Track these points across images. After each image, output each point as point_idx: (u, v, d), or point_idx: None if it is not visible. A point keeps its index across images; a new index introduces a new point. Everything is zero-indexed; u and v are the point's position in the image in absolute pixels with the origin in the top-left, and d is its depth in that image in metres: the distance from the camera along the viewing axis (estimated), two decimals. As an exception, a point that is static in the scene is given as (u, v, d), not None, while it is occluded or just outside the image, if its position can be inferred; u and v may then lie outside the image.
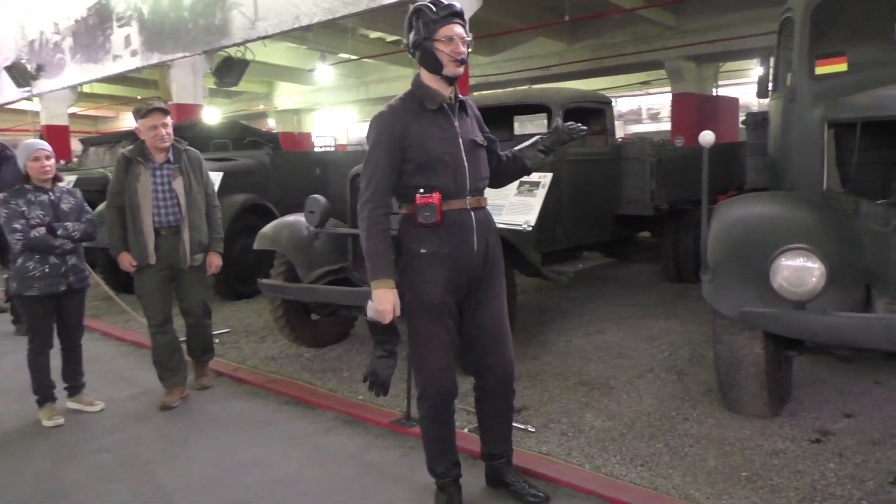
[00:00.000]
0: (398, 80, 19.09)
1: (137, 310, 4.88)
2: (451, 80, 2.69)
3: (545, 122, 6.01)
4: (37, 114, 16.86)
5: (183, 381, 4.44)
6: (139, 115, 4.20)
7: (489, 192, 2.93)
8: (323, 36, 15.29)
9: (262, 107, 25.92)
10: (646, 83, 20.69)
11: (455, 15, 2.64)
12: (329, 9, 9.28)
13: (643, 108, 25.87)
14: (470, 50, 2.69)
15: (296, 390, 4.46)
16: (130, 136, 4.33)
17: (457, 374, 2.88)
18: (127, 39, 12.79)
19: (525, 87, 15.71)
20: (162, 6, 11.85)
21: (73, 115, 18.38)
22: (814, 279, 2.92)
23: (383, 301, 2.59)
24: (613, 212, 6.16)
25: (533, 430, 3.64)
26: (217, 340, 4.90)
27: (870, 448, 3.26)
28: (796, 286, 2.95)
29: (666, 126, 19.88)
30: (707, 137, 3.36)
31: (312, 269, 4.79)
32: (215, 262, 4.45)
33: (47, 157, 4.08)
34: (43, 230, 3.97)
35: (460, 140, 2.69)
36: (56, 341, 4.26)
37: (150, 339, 4.39)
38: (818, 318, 2.91)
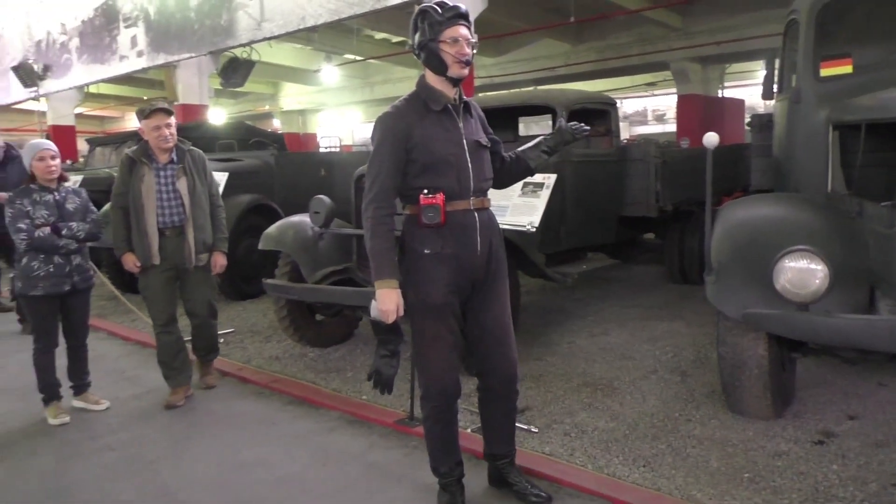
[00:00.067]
0: (403, 81, 19.12)
1: (143, 309, 4.90)
2: (455, 82, 2.70)
3: (550, 123, 6.02)
4: (43, 114, 16.92)
5: (188, 380, 4.46)
6: (142, 115, 4.22)
7: (493, 193, 2.94)
8: (328, 37, 15.32)
9: (267, 107, 25.97)
10: (651, 84, 20.68)
11: (460, 17, 2.65)
12: (334, 10, 9.30)
13: (648, 110, 25.82)
14: (475, 51, 2.70)
15: (300, 390, 4.47)
16: (136, 136, 4.35)
17: (460, 375, 2.89)
18: (133, 40, 12.83)
19: (530, 88, 15.72)
20: (168, 7, 11.89)
21: (79, 116, 18.44)
22: (817, 281, 2.93)
23: (387, 301, 2.60)
24: (618, 213, 6.16)
25: (536, 430, 3.65)
26: (222, 340, 4.92)
27: (873, 450, 3.25)
28: (800, 288, 2.96)
29: (671, 127, 19.84)
30: (711, 139, 3.36)
31: (317, 269, 4.80)
32: (220, 261, 4.47)
33: (53, 157, 4.10)
34: (48, 230, 3.99)
35: (464, 141, 2.70)
36: (62, 340, 4.28)
37: (155, 338, 4.41)
38: (821, 319, 2.92)
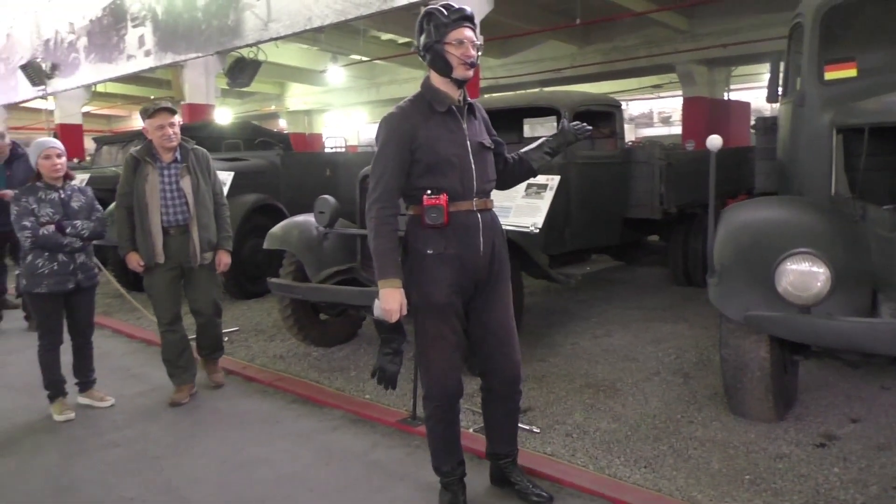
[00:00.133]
0: (409, 82, 19.14)
1: (148, 307, 4.94)
2: (460, 83, 2.71)
3: (555, 124, 6.03)
4: (51, 112, 16.99)
5: (192, 378, 4.48)
6: (146, 114, 4.24)
7: (497, 194, 2.95)
8: (335, 37, 15.36)
9: (273, 107, 26.03)
10: (657, 87, 20.66)
11: (466, 19, 2.67)
12: (341, 10, 9.33)
13: (654, 112, 25.84)
14: (480, 53, 2.72)
15: (303, 389, 4.50)
16: (143, 135, 4.38)
17: (463, 375, 2.90)
18: (141, 39, 12.88)
19: (536, 89, 15.73)
20: (176, 7, 11.93)
21: (86, 114, 18.51)
22: (819, 284, 2.93)
23: (390, 300, 2.61)
24: (622, 215, 6.17)
25: (538, 430, 3.66)
26: (226, 339, 4.94)
27: (875, 453, 3.26)
28: (801, 290, 2.96)
29: (677, 130, 19.84)
30: (714, 142, 3.38)
31: (321, 268, 4.82)
32: (224, 260, 4.49)
33: (58, 156, 4.12)
34: (52, 228, 4.01)
35: (468, 142, 2.72)
36: (67, 337, 4.31)
37: (160, 337, 4.44)
38: (823, 322, 2.93)
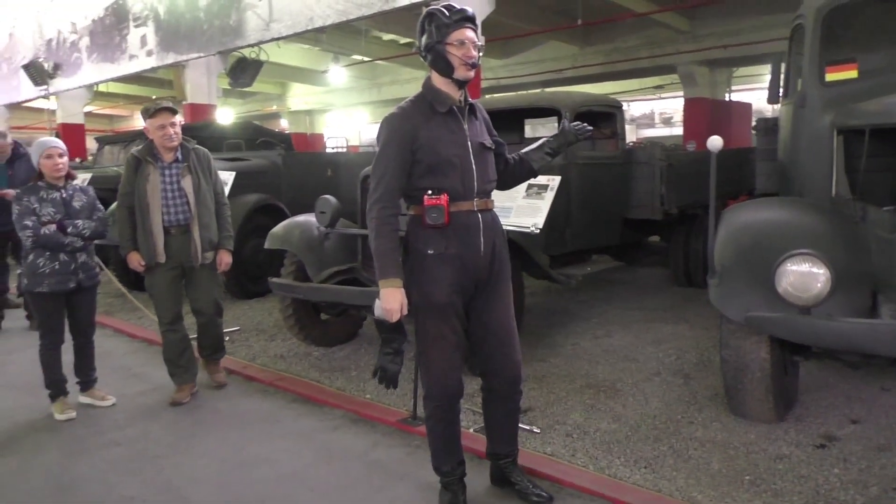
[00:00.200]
0: (411, 83, 19.15)
1: (149, 307, 4.94)
2: (461, 84, 2.72)
3: (556, 125, 6.03)
4: (53, 112, 17.01)
5: (193, 378, 4.49)
6: (147, 114, 4.25)
7: (498, 195, 2.96)
8: (336, 37, 15.36)
9: (275, 107, 26.04)
10: (659, 87, 20.65)
11: (467, 20, 2.68)
12: (343, 11, 9.34)
13: (656, 113, 25.82)
14: (481, 54, 2.72)
15: (304, 388, 4.50)
16: (145, 135, 4.40)
17: (463, 375, 2.91)
18: (143, 39, 12.90)
19: (537, 90, 15.74)
20: (178, 7, 11.95)
21: (88, 114, 18.53)
22: (819, 284, 2.94)
23: (390, 300, 2.62)
24: (623, 215, 6.17)
25: (538, 430, 3.67)
26: (227, 338, 4.95)
27: (875, 454, 3.26)
28: (801, 291, 2.97)
29: (679, 131, 19.84)
30: (715, 143, 3.38)
31: (322, 268, 4.83)
32: (225, 259, 4.49)
33: (60, 156, 4.13)
34: (53, 227, 4.02)
35: (469, 143, 2.73)
36: (68, 337, 4.32)
37: (161, 336, 4.44)
38: (823, 323, 2.93)
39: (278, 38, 10.56)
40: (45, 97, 16.22)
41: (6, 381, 4.98)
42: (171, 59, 12.38)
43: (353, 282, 4.80)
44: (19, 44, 16.63)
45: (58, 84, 15.49)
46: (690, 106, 16.86)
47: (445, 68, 2.67)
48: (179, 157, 4.31)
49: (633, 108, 24.98)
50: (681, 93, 17.74)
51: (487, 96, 9.84)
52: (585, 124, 3.10)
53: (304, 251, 4.90)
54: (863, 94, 3.77)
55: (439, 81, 2.73)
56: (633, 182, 6.16)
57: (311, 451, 3.62)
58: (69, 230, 4.06)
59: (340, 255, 4.95)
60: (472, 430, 3.61)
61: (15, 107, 18.42)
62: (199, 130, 8.84)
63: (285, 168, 8.16)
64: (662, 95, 22.37)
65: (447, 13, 2.65)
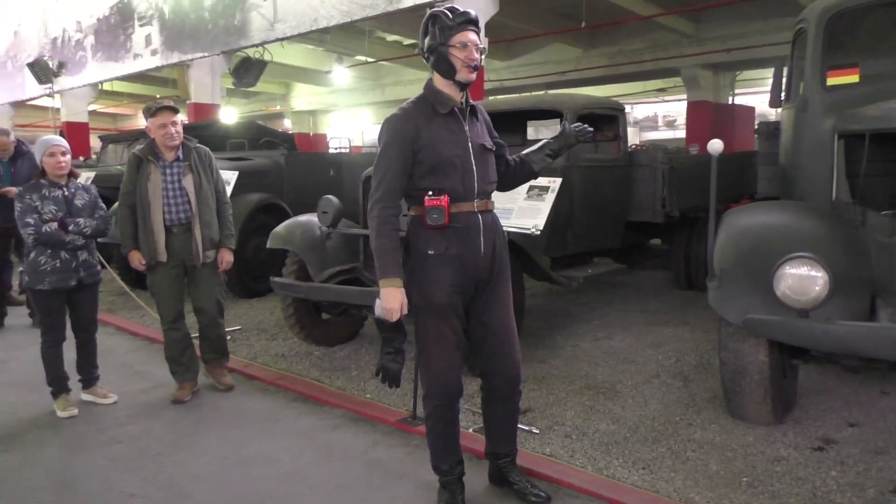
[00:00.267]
0: (414, 83, 19.19)
1: (151, 305, 4.96)
2: (463, 86, 2.74)
3: (558, 127, 6.04)
4: (57, 110, 17.05)
5: (194, 376, 4.51)
6: (149, 113, 4.27)
7: (499, 196, 2.97)
8: (340, 38, 15.41)
9: (278, 107, 26.10)
10: (662, 90, 20.68)
11: (470, 22, 2.69)
12: (347, 11, 9.37)
13: (659, 116, 25.83)
14: (483, 56, 2.74)
15: (305, 387, 4.52)
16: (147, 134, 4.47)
17: (463, 376, 2.93)
18: (148, 38, 12.94)
19: (540, 92, 15.76)
20: (183, 6, 11.99)
21: (92, 113, 18.60)
22: (817, 288, 2.95)
23: (391, 300, 2.64)
24: (625, 218, 6.19)
25: (537, 431, 3.68)
26: (229, 337, 4.97)
27: (872, 457, 3.27)
28: (800, 294, 2.98)
29: (682, 134, 19.86)
30: (715, 146, 3.40)
31: (324, 268, 4.84)
32: (226, 258, 4.50)
33: (63, 154, 4.15)
34: (54, 225, 4.04)
35: (469, 144, 2.74)
36: (70, 334, 4.34)
37: (163, 335, 4.46)
38: (821, 326, 2.94)
39: (282, 39, 10.60)
40: (50, 95, 16.26)
41: (9, 378, 5.00)
42: (175, 58, 12.42)
43: (355, 282, 4.82)
44: (24, 42, 16.67)
45: (62, 82, 15.53)
46: (693, 109, 16.89)
47: (448, 70, 2.69)
48: (181, 155, 4.33)
49: (637, 111, 25.00)
50: (684, 96, 17.76)
51: (491, 98, 9.86)
52: (586, 125, 3.12)
53: (305, 251, 4.92)
54: (864, 98, 3.78)
55: (441, 83, 2.74)
56: (635, 185, 6.18)
57: (311, 449, 3.64)
58: (70, 228, 4.08)
59: (342, 254, 4.97)
60: (471, 430, 3.62)
61: (19, 105, 18.47)
62: (203, 130, 8.88)
63: (288, 168, 8.19)
64: (666, 98, 22.38)
65: (450, 15, 2.67)
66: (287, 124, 27.02)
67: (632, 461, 3.32)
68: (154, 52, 12.85)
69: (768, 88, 4.92)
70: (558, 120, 5.89)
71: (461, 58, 2.66)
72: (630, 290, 7.35)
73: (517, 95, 13.64)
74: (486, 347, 2.89)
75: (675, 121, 24.46)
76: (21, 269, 4.25)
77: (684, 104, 18.01)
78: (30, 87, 16.53)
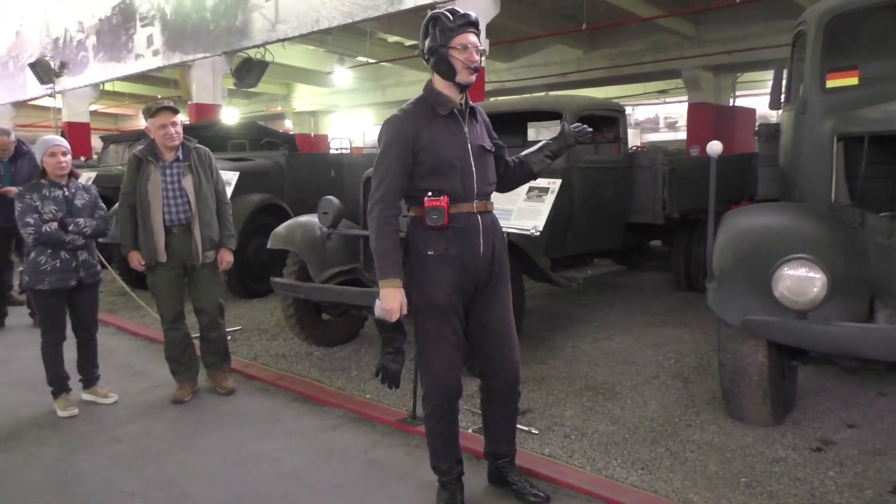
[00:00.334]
0: (415, 85, 19.19)
1: (152, 305, 4.97)
2: (462, 87, 2.75)
3: (559, 128, 6.05)
4: (59, 110, 17.10)
5: (194, 376, 4.52)
6: (148, 114, 4.28)
7: (499, 197, 2.98)
8: (342, 39, 15.43)
9: (280, 108, 26.12)
10: (663, 92, 20.69)
11: (471, 24, 2.71)
12: (348, 13, 9.40)
13: (660, 117, 25.84)
14: (484, 58, 2.75)
15: (305, 388, 4.53)
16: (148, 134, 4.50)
17: (463, 376, 2.94)
18: (149, 39, 12.97)
19: (541, 93, 15.77)
20: (184, 7, 12.01)
21: (94, 113, 18.62)
22: (815, 289, 2.96)
23: (390, 300, 2.65)
24: (625, 220, 6.19)
25: (536, 431, 3.69)
26: (229, 338, 4.98)
27: (870, 458, 3.28)
28: (798, 296, 2.99)
29: (683, 135, 19.88)
30: (714, 147, 3.41)
31: (324, 269, 4.85)
32: (226, 258, 4.49)
33: (63, 154, 4.17)
34: (54, 225, 4.05)
35: (469, 145, 2.75)
36: (71, 334, 4.35)
37: (164, 335, 4.47)
38: (819, 327, 2.95)
39: (284, 40, 10.62)
40: (51, 95, 16.31)
41: (9, 377, 5.02)
42: (177, 58, 12.45)
43: (355, 282, 4.83)
44: (26, 42, 16.71)
45: (64, 82, 15.57)
46: (694, 111, 16.90)
47: (448, 72, 2.70)
48: (180, 156, 4.33)
49: (638, 113, 25.02)
50: (685, 97, 17.77)
51: (491, 99, 9.87)
52: (585, 126, 3.13)
53: (306, 251, 4.93)
54: (863, 101, 3.79)
55: (441, 84, 2.76)
56: (636, 186, 6.19)
57: (311, 449, 3.65)
58: (70, 228, 4.09)
59: (342, 255, 4.98)
60: (470, 431, 3.63)
61: (21, 105, 18.52)
62: (204, 130, 8.90)
63: (289, 168, 8.20)
64: (667, 100, 22.40)
65: (451, 17, 2.68)
66: (288, 125, 27.05)
67: (631, 461, 3.33)
68: (156, 53, 12.89)
69: (769, 90, 4.93)
70: (559, 121, 5.91)
71: (461, 60, 2.67)
72: (630, 291, 7.36)
73: (518, 97, 13.66)
74: (485, 348, 2.90)
75: (676, 122, 24.47)
76: (21, 268, 4.26)
77: (685, 106, 18.03)
78: (31, 87, 16.57)
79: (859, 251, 3.25)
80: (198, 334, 4.60)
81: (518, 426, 3.29)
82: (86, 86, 15.28)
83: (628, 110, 6.41)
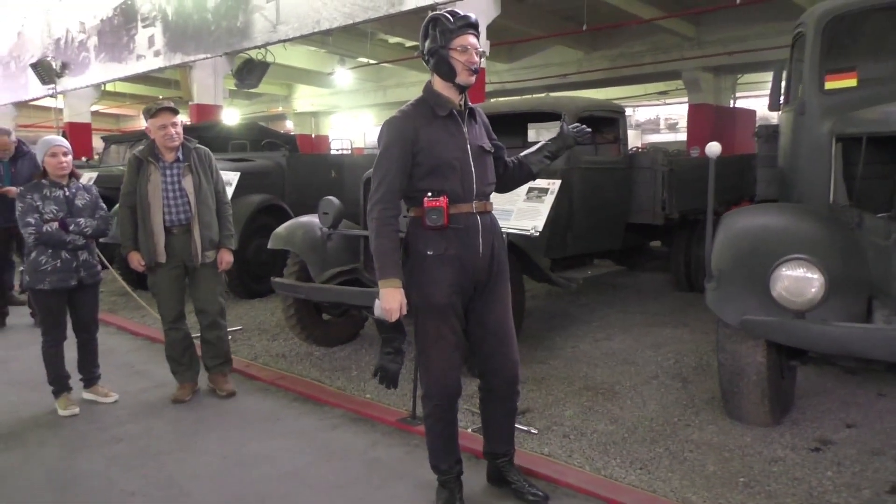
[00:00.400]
0: (416, 86, 19.18)
1: (152, 305, 4.99)
2: (462, 89, 2.76)
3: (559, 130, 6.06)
4: (60, 111, 17.12)
5: (195, 376, 4.53)
6: (149, 114, 4.29)
7: (499, 198, 2.99)
8: (343, 40, 15.44)
9: (280, 109, 26.13)
10: (663, 93, 20.70)
11: (471, 26, 2.72)
12: (349, 14, 9.41)
13: (661, 118, 25.86)
14: (483, 60, 2.76)
15: (305, 387, 4.54)
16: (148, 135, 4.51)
17: (463, 376, 2.95)
18: (151, 39, 12.99)
19: (542, 94, 15.78)
20: (186, 8, 12.03)
21: (95, 113, 18.63)
22: (813, 289, 2.97)
23: (390, 300, 2.66)
24: (625, 220, 6.20)
25: (536, 431, 3.70)
26: (230, 337, 4.99)
27: (869, 458, 3.29)
28: (796, 296, 3.00)
29: (684, 136, 19.88)
30: (713, 149, 3.42)
31: (325, 269, 4.86)
32: (226, 258, 4.49)
33: (64, 154, 4.18)
34: (55, 225, 4.07)
35: (468, 146, 2.77)
36: (72, 334, 4.36)
37: (164, 335, 4.48)
38: (817, 327, 2.96)
39: (285, 40, 10.64)
40: (53, 96, 16.33)
41: (10, 377, 5.03)
42: (178, 59, 12.47)
43: (355, 282, 4.84)
44: (28, 42, 16.74)
45: (65, 83, 15.59)
46: (694, 112, 16.90)
47: (448, 73, 2.72)
48: (180, 156, 4.34)
49: (639, 114, 25.03)
50: (685, 99, 17.77)
51: (492, 100, 9.88)
52: (584, 126, 3.14)
53: (306, 252, 4.94)
54: (861, 102, 3.80)
55: (441, 85, 2.77)
56: (636, 187, 6.20)
57: (311, 449, 3.66)
58: (71, 228, 4.10)
59: (343, 255, 4.99)
60: (469, 430, 3.64)
61: (22, 105, 18.54)
62: (205, 131, 8.91)
63: (289, 169, 8.21)
64: (667, 101, 22.40)
65: (451, 19, 2.69)
66: (289, 126, 27.05)
67: (629, 461, 3.34)
68: (157, 54, 12.91)
69: (769, 92, 4.95)
70: (558, 122, 5.92)
71: (461, 61, 2.68)
72: (630, 291, 7.37)
73: (518, 98, 13.68)
74: (484, 348, 2.91)
75: (676, 123, 24.48)
76: (22, 268, 4.28)
77: (686, 107, 18.03)
78: (33, 88, 16.60)
79: (857, 252, 3.26)
80: (198, 335, 4.62)
81: (517, 426, 3.30)
82: (87, 86, 15.30)
83: (629, 111, 6.43)
